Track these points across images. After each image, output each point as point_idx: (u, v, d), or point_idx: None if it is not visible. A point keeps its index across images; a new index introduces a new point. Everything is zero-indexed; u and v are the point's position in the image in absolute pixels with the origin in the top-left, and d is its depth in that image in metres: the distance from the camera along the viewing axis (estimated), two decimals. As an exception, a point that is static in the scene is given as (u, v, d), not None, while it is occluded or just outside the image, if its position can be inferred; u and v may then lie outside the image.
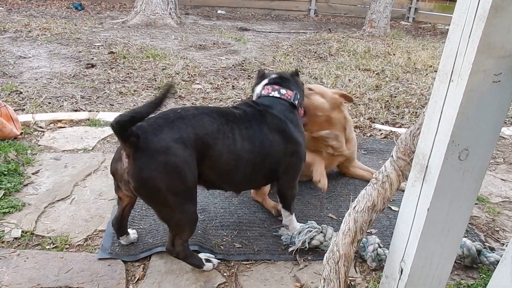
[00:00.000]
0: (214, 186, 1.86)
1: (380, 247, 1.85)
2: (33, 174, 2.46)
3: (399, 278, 1.30)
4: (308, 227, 1.88)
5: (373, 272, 1.83)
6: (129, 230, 1.95)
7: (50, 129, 3.10)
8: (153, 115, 1.59)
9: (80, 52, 5.44)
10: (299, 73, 2.23)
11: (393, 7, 8.00)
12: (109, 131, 3.11)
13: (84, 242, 1.96)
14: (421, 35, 8.33)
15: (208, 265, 1.81)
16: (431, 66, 5.52)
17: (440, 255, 1.23)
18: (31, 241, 1.94)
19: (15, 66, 4.67)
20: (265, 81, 2.06)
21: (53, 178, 2.44)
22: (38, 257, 1.84)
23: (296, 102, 2.00)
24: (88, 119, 3.28)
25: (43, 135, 2.98)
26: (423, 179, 1.18)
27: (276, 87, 2.00)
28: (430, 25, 9.72)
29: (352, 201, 1.39)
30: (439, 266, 1.25)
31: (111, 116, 3.33)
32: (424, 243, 1.20)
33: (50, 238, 1.96)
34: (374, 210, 1.33)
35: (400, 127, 3.59)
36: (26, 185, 2.35)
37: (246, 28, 7.87)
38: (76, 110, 3.59)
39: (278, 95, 1.97)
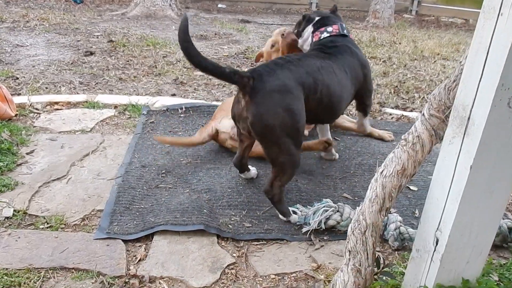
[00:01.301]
0: (315, 120, 2.15)
1: (402, 225, 1.71)
2: (27, 154, 2.32)
3: (434, 250, 1.15)
4: (324, 206, 1.73)
5: (396, 252, 1.69)
6: (250, 167, 2.15)
7: (47, 111, 2.95)
8: (262, 63, 1.98)
9: (78, 41, 5.29)
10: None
11: (396, 0, 7.86)
12: (108, 113, 2.97)
13: (81, 222, 1.81)
14: (425, 27, 8.18)
15: (294, 217, 1.85)
16: (438, 54, 5.37)
17: (481, 221, 1.09)
18: (23, 220, 1.80)
19: (12, 54, 4.53)
20: (310, 27, 2.33)
21: (49, 158, 2.30)
22: (30, 236, 1.69)
23: (345, 31, 2.28)
24: (86, 101, 3.13)
25: (39, 116, 2.84)
26: (464, 133, 1.03)
27: (322, 28, 2.26)
28: (433, 17, 9.56)
29: (378, 166, 1.25)
30: (480, 235, 1.11)
31: (110, 99, 3.19)
32: (464, 207, 1.06)
33: (44, 218, 1.82)
34: (404, 174, 1.19)
35: (411, 111, 3.44)
36: (20, 164, 2.21)
37: (248, 20, 7.72)
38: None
39: (328, 34, 2.23)
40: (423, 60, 5.07)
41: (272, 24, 7.64)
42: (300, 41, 2.40)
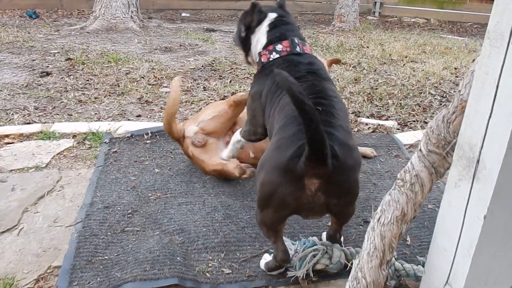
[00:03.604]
0: None
1: (395, 260, 1.56)
2: (-29, 201, 2.06)
3: (443, 306, 1.01)
4: (312, 250, 1.56)
5: (392, 292, 1.54)
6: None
7: (-5, 146, 2.67)
8: None
9: (34, 60, 4.96)
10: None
11: (359, 2, 7.87)
12: (66, 143, 2.72)
13: (34, 285, 1.57)
14: (389, 28, 8.23)
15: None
16: (406, 57, 5.35)
17: (498, 273, 0.95)
18: (-34, 287, 1.55)
19: (-43, 80, 4.18)
20: (264, 33, 1.84)
21: (-3, 205, 2.04)
22: (-26, 309, 1.45)
23: (298, 47, 1.77)
24: (41, 132, 2.86)
25: (-14, 154, 2.56)
26: (473, 177, 0.89)
27: (270, 47, 1.79)
28: (396, 18, 9.67)
29: (373, 210, 1.09)
30: (496, 286, 0.97)
31: (67, 127, 2.93)
32: (478, 260, 0.92)
33: (-9, 282, 1.57)
34: (404, 220, 1.04)
35: (386, 119, 3.35)
36: (-37, 216, 1.94)
37: (213, 29, 7.54)
38: (28, 123, 3.17)
39: (278, 55, 1.77)
40: (392, 63, 5.03)
41: (237, 32, 7.50)
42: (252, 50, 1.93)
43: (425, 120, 3.35)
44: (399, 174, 1.08)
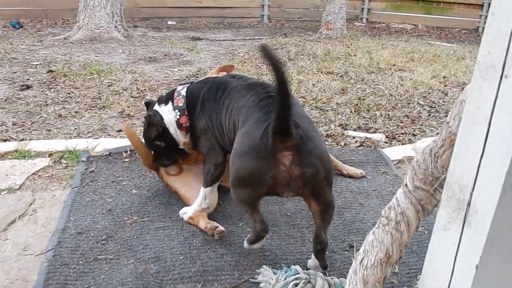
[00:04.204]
0: None
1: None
2: None
3: None
4: (294, 279, 1.47)
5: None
6: None
7: (-33, 167, 2.54)
8: None
9: (14, 73, 4.83)
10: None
11: (346, 9, 7.84)
12: (41, 163, 2.60)
13: (-4, 324, 1.47)
14: (376, 34, 8.22)
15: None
16: (394, 65, 5.31)
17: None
18: None
19: None
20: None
21: (-37, 233, 1.92)
22: None
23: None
24: (16, 151, 2.74)
25: (-44, 175, 2.43)
26: (464, 221, 0.81)
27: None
28: (384, 24, 9.68)
29: (356, 251, 1.00)
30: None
31: (44, 145, 2.81)
32: (469, 312, 0.83)
33: (-50, 322, 1.46)
34: (389, 262, 0.96)
35: (374, 132, 3.28)
36: None
37: (199, 37, 7.45)
38: (6, 140, 3.04)
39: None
40: (380, 72, 4.98)
41: (224, 40, 7.40)
42: None
43: (414, 132, 3.28)
44: (383, 211, 0.99)
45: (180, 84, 2.09)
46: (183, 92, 1.99)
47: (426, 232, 1.96)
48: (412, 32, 8.71)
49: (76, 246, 1.84)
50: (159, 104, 2.07)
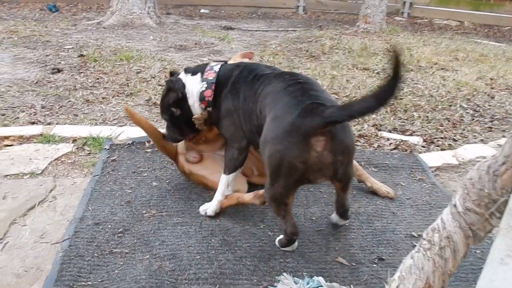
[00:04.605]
0: None
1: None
2: (-45, 211, 1.92)
3: None
4: (316, 290, 1.35)
5: None
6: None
7: (-6, 148, 2.54)
8: None
9: (47, 56, 4.88)
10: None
11: (387, 2, 7.52)
12: (65, 148, 2.57)
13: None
14: (418, 30, 7.87)
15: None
16: (436, 64, 5.02)
17: None
18: None
19: (-30, 74, 4.10)
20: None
21: (-18, 216, 1.90)
22: None
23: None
24: (41, 134, 2.72)
25: (-18, 156, 2.43)
26: (528, 257, 0.66)
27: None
28: (426, 20, 9.26)
29: (390, 276, 0.87)
30: None
31: (68, 130, 2.79)
32: None
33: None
34: (428, 293, 0.82)
35: (411, 134, 3.09)
36: None
37: (231, 26, 7.34)
38: (33, 123, 3.05)
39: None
40: (420, 71, 4.73)
41: (257, 30, 7.26)
42: None
43: (454, 137, 3.07)
44: (424, 233, 0.86)
45: (214, 61, 2.05)
46: (216, 68, 1.94)
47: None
48: (457, 29, 8.28)
49: (92, 237, 1.79)
50: (185, 73, 2.01)
